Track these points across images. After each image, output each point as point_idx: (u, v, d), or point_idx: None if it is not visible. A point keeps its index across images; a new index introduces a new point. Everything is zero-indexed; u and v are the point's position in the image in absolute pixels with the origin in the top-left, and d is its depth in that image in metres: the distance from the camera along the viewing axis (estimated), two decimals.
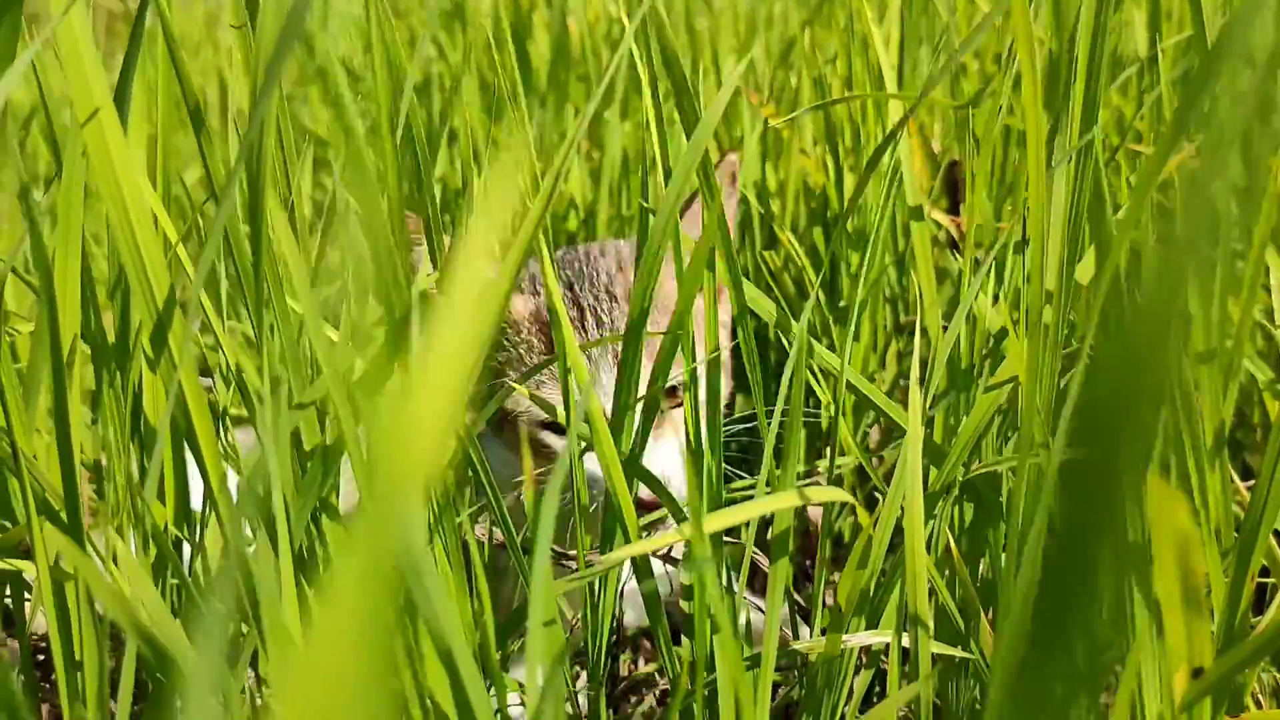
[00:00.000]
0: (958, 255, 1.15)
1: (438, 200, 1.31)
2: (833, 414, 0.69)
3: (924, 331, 0.80)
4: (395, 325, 0.51)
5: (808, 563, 1.10)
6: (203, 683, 0.41)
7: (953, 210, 1.24)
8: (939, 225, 1.10)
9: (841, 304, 1.13)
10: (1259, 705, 0.76)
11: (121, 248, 0.49)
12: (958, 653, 0.66)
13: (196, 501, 0.68)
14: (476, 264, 0.20)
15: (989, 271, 0.77)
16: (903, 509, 0.61)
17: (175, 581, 0.62)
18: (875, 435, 1.11)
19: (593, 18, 1.73)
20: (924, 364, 0.72)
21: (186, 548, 0.68)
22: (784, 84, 1.36)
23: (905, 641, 0.63)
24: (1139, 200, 0.50)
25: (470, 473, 0.64)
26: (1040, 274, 0.59)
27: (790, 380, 0.62)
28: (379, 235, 0.52)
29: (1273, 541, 0.63)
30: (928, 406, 0.69)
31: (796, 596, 0.83)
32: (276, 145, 0.53)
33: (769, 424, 0.63)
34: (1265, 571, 0.69)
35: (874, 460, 1.16)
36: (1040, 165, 0.57)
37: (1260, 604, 0.83)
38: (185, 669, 0.43)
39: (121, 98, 0.54)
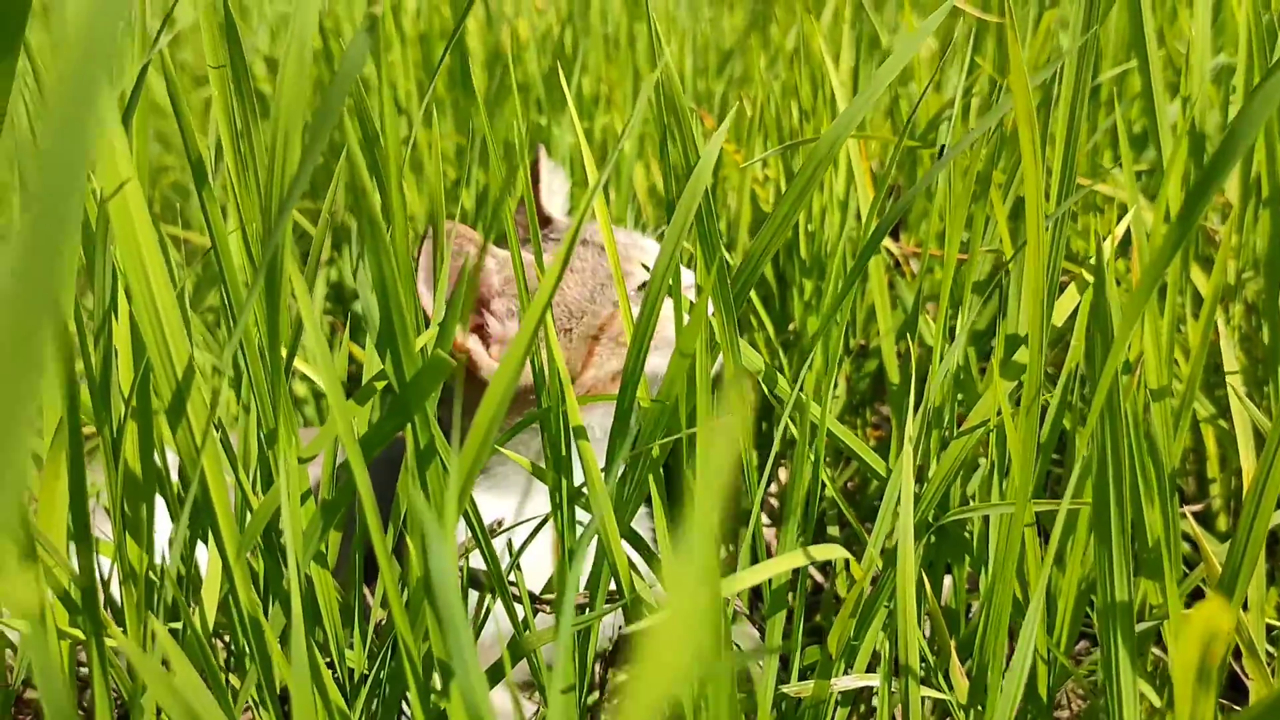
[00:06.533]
0: (902, 277, 1.18)
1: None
2: (811, 459, 0.70)
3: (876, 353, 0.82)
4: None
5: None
6: None
7: (893, 234, 1.27)
8: (888, 252, 1.13)
9: (791, 326, 1.14)
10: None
11: (143, 323, 0.48)
12: (938, 694, 0.67)
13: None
14: None
15: (954, 314, 0.79)
16: (882, 554, 0.63)
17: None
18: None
19: (529, 21, 1.72)
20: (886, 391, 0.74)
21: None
22: (730, 102, 1.37)
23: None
24: (1142, 294, 0.51)
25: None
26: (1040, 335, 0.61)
27: (781, 436, 0.62)
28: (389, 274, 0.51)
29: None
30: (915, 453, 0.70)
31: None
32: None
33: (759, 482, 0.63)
34: None
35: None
36: (1040, 223, 0.58)
37: None
38: None
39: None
